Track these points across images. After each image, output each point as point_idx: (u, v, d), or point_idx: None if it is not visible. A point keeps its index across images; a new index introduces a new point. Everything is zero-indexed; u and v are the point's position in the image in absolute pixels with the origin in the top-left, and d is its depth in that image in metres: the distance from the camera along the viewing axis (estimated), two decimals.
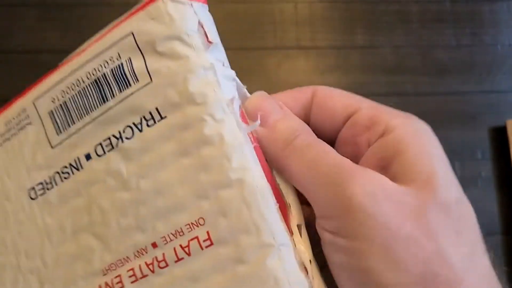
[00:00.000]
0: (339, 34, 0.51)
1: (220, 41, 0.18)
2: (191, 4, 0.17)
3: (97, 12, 0.50)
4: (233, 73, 0.18)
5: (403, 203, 0.14)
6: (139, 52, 0.17)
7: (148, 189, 0.17)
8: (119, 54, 0.17)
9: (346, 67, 0.50)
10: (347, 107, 0.18)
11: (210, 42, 0.17)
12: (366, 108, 0.17)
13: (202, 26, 0.17)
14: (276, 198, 0.16)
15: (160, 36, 0.17)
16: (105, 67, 0.18)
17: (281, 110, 0.18)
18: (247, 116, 0.17)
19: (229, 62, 0.47)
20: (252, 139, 0.17)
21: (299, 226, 0.17)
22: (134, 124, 0.17)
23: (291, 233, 0.16)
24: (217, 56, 0.17)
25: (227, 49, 0.49)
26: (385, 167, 0.16)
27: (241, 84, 0.18)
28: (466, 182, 0.48)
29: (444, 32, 0.52)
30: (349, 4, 0.52)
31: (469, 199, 0.47)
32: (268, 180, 0.16)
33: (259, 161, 0.17)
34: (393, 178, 0.15)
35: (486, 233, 0.46)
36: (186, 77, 0.16)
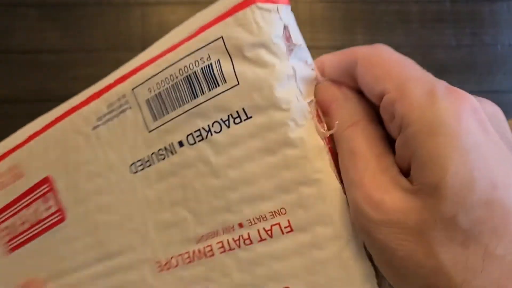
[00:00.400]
0: (339, 34, 0.51)
1: (302, 39, 0.19)
2: (277, 9, 0.19)
3: (97, 12, 0.50)
4: (311, 71, 0.19)
5: (404, 224, 0.15)
6: (228, 55, 0.19)
7: (236, 178, 0.19)
8: (209, 55, 0.19)
9: None
10: (378, 87, 0.17)
11: (294, 44, 0.19)
12: (392, 90, 0.16)
13: (287, 30, 0.19)
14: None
15: (248, 42, 0.19)
16: (196, 65, 0.20)
17: (343, 95, 0.18)
18: (319, 106, 0.19)
19: None
20: (327, 141, 0.18)
21: None
22: (222, 120, 0.19)
23: None
24: (300, 56, 0.19)
25: None
26: (407, 168, 0.16)
27: (320, 77, 0.19)
28: None
29: (444, 32, 0.52)
30: (349, 4, 0.52)
31: None
32: (339, 180, 0.18)
33: (333, 161, 0.18)
34: (412, 182, 0.15)
35: None
36: (272, 84, 0.18)
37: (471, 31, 0.52)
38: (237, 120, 0.19)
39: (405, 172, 0.16)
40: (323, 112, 0.19)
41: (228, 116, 0.19)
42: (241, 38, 0.19)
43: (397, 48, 0.49)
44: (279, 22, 0.19)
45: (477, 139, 0.14)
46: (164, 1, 0.50)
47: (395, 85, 0.16)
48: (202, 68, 0.20)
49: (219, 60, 0.19)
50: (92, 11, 0.50)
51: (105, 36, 0.50)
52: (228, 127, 0.19)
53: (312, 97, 0.19)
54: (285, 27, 0.19)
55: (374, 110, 0.18)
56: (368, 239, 0.16)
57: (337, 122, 0.18)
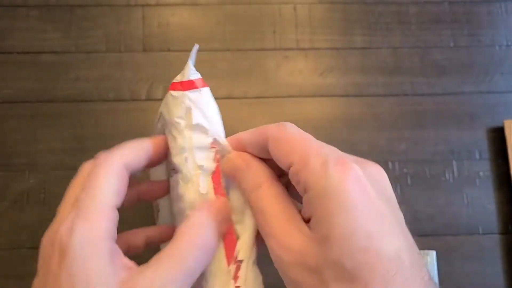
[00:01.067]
0: (338, 35, 0.51)
1: (211, 114, 0.25)
2: (183, 95, 0.24)
3: (98, 13, 0.50)
4: (209, 140, 0.24)
5: (306, 264, 0.18)
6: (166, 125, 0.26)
7: (179, 207, 0.25)
8: (164, 122, 0.27)
9: (345, 68, 0.51)
10: (286, 160, 0.21)
11: (193, 122, 0.24)
12: (296, 162, 0.20)
13: (190, 112, 0.24)
14: (227, 234, 0.23)
15: (167, 119, 0.25)
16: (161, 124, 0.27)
17: (245, 164, 0.23)
18: (227, 176, 0.24)
19: (229, 63, 0.48)
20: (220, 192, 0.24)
21: (240, 261, 0.22)
22: (173, 168, 0.25)
23: (229, 263, 0.23)
24: (201, 130, 0.24)
25: (226, 50, 0.51)
26: (309, 218, 0.19)
27: (224, 144, 0.25)
28: (465, 182, 0.48)
29: (442, 33, 0.52)
30: (348, 5, 0.52)
31: (467, 199, 0.47)
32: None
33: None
34: (311, 230, 0.19)
35: (484, 233, 0.47)
36: (172, 153, 0.25)
37: (469, 32, 0.52)
38: (174, 171, 0.25)
39: (308, 221, 0.20)
40: (231, 180, 0.24)
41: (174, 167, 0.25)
42: (165, 115, 0.25)
43: (395, 49, 0.50)
44: (182, 105, 0.24)
45: (357, 201, 0.18)
46: (165, 3, 0.50)
47: (298, 158, 0.20)
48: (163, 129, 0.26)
49: (165, 126, 0.26)
50: (93, 12, 0.50)
51: (106, 37, 0.50)
52: (176, 174, 0.25)
53: (208, 161, 0.24)
54: (188, 109, 0.24)
55: (274, 172, 0.23)
56: (284, 277, 0.20)
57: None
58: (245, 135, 0.24)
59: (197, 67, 0.52)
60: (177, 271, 0.20)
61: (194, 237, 0.21)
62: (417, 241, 0.48)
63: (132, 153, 0.24)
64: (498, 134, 0.49)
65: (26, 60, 0.49)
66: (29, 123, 0.47)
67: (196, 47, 0.26)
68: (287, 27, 0.50)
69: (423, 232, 0.47)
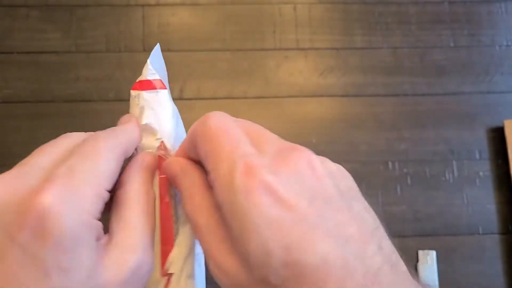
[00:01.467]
0: (338, 35, 0.51)
1: (164, 117, 0.24)
2: (138, 96, 0.24)
3: (98, 13, 0.50)
4: (156, 144, 0.24)
5: (241, 285, 0.17)
6: None
7: None
8: None
9: (345, 68, 0.51)
10: (206, 166, 0.19)
11: (142, 124, 0.23)
12: (210, 171, 0.19)
13: (142, 112, 0.24)
14: (165, 243, 0.22)
15: None
16: None
17: (180, 170, 0.21)
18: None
19: (229, 63, 0.48)
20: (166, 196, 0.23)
21: (170, 274, 0.21)
22: None
23: (163, 275, 0.21)
24: (150, 131, 0.24)
25: (226, 50, 0.51)
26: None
27: (170, 149, 0.24)
28: (465, 182, 0.48)
29: (441, 33, 0.52)
30: (348, 5, 0.52)
31: (467, 199, 0.47)
32: (162, 228, 0.22)
33: (161, 211, 0.22)
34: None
35: (484, 233, 0.46)
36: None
37: (469, 32, 0.52)
38: None
39: None
40: (174, 185, 0.22)
41: None
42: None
43: (395, 49, 0.49)
44: (138, 106, 0.24)
45: (269, 215, 0.16)
46: (165, 3, 0.50)
47: (212, 167, 0.18)
48: None
49: None
50: (93, 12, 0.50)
51: (106, 37, 0.50)
52: None
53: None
54: (141, 109, 0.24)
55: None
56: None
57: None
58: (183, 142, 0.22)
59: (197, 67, 0.52)
60: (138, 235, 0.19)
61: (130, 196, 0.20)
62: (417, 241, 0.47)
63: (129, 142, 0.22)
64: (498, 134, 0.49)
65: (26, 60, 0.49)
66: (29, 123, 0.47)
67: (157, 46, 0.25)
68: (287, 27, 0.50)
69: (423, 232, 0.47)
